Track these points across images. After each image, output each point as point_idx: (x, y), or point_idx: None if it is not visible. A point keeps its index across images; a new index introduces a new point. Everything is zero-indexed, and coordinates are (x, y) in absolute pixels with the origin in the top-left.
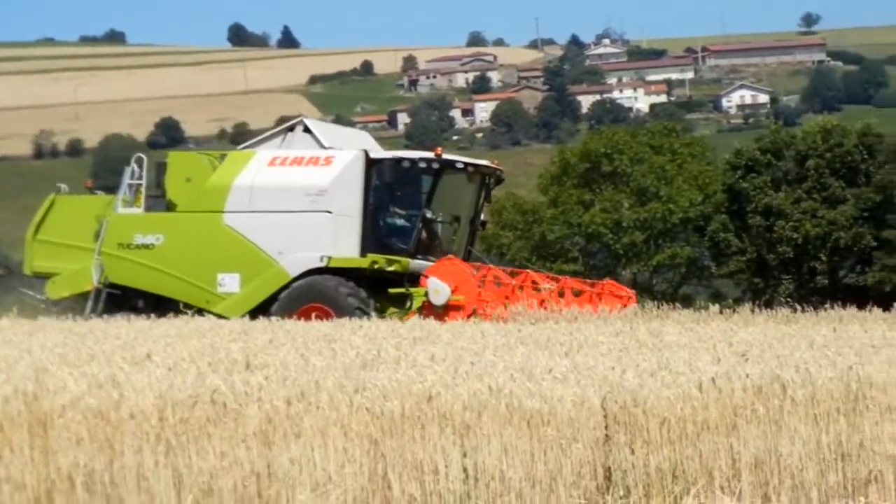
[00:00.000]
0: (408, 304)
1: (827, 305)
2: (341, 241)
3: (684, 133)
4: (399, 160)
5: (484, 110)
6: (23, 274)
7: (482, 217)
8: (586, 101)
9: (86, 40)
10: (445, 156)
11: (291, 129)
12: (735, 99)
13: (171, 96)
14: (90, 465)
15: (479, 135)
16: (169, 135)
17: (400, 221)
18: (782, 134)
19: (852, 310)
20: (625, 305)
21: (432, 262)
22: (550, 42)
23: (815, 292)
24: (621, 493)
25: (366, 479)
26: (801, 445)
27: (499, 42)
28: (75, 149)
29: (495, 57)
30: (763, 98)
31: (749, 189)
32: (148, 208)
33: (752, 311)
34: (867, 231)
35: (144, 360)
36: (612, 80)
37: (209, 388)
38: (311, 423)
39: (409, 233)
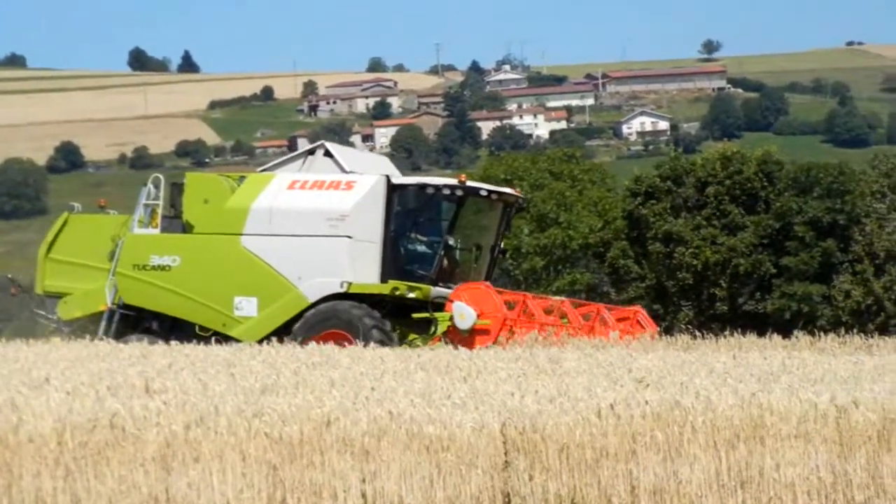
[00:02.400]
0: (432, 329)
1: (727, 332)
2: (362, 267)
3: (584, 159)
4: (423, 186)
5: (384, 136)
6: (34, 293)
7: (501, 245)
8: (486, 127)
9: None
10: (469, 183)
11: (312, 152)
12: (635, 125)
13: (71, 120)
14: None
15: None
16: (69, 159)
17: (421, 248)
18: (682, 161)
19: (752, 337)
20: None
21: (453, 289)
22: (451, 68)
23: (714, 319)
24: None
25: (264, 503)
26: (700, 472)
27: (399, 68)
28: None
29: (395, 83)
30: (663, 125)
31: (649, 216)
32: (164, 229)
33: (651, 337)
34: (766, 258)
35: (43, 383)
36: (513, 107)
37: (108, 413)
38: (209, 448)
39: (431, 260)
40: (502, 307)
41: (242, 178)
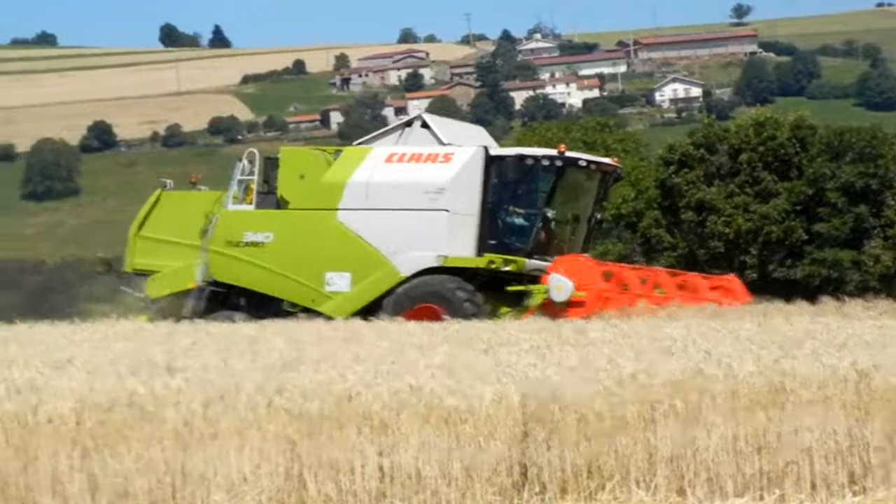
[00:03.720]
0: (526, 301)
1: (755, 300)
2: (458, 241)
3: (617, 128)
4: (521, 157)
5: (417, 108)
6: (122, 271)
7: (598, 216)
8: (519, 97)
9: (17, 43)
10: (569, 154)
11: (409, 124)
12: (668, 93)
13: (103, 99)
14: (4, 469)
15: None
16: (101, 138)
17: (519, 220)
18: (715, 128)
19: (779, 303)
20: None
21: (549, 262)
22: (482, 38)
23: (745, 287)
24: (537, 489)
25: (282, 479)
26: (717, 438)
27: (430, 38)
28: (7, 154)
29: (427, 54)
30: (696, 91)
31: (682, 184)
32: (258, 205)
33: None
34: (799, 224)
35: (66, 364)
36: (545, 76)
37: (128, 392)
38: (228, 425)
39: (528, 232)
40: (599, 280)
41: (338, 151)
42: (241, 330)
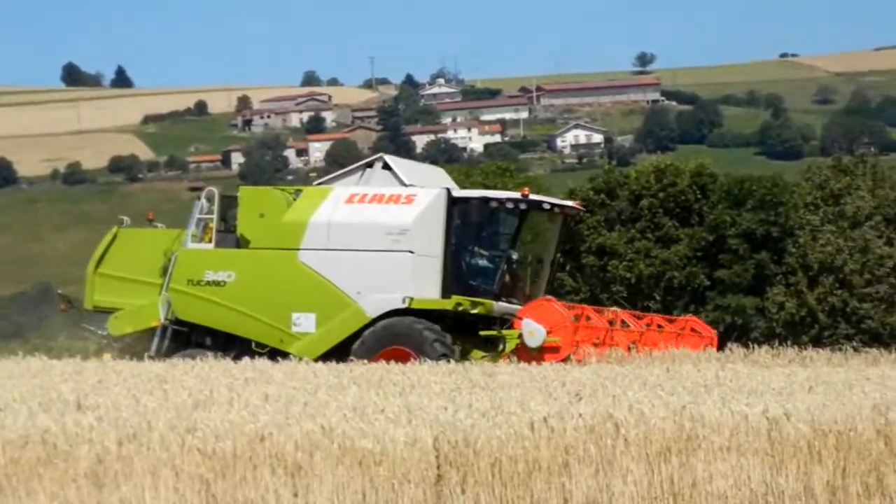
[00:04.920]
0: (500, 346)
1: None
2: (423, 282)
3: (518, 173)
4: (485, 199)
5: (318, 150)
6: (83, 308)
7: (560, 258)
8: (421, 141)
9: None
10: (532, 196)
11: (370, 164)
12: (569, 138)
13: (3, 136)
14: None
15: (314, 174)
16: (1, 175)
17: (483, 262)
18: (616, 173)
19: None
20: (706, 345)
21: (516, 304)
22: (385, 82)
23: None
24: None
25: None
26: (632, 485)
27: (333, 82)
28: None
29: (329, 97)
30: (597, 138)
31: (583, 229)
32: (217, 244)
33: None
34: (700, 270)
35: None
36: (447, 120)
37: (40, 429)
38: (142, 464)
39: (494, 274)
40: (571, 324)
41: (298, 191)
42: (150, 368)
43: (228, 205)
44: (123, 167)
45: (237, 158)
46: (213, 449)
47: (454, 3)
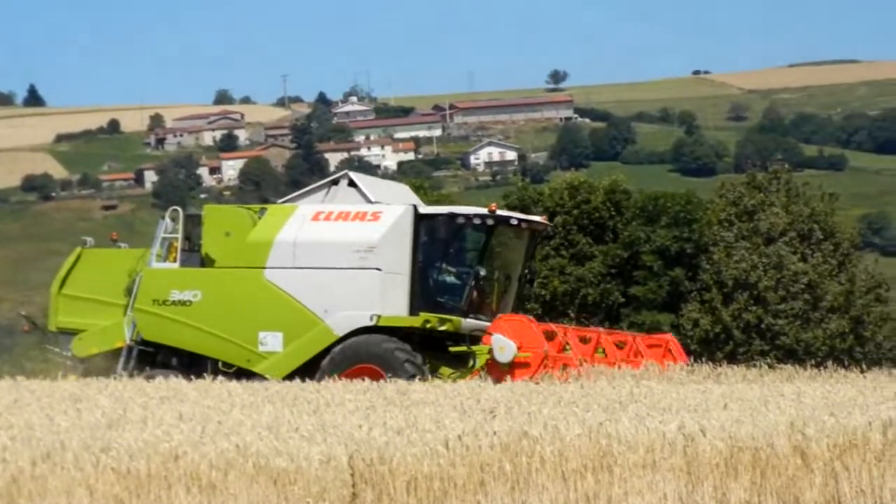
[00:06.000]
0: (471, 362)
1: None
2: (391, 300)
3: (432, 191)
4: (453, 216)
5: (232, 168)
6: (47, 330)
7: (527, 274)
8: (334, 159)
9: None
10: (499, 212)
11: (335, 182)
12: (483, 156)
13: None
14: None
15: (227, 193)
16: None
17: (451, 279)
18: (529, 191)
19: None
20: (668, 351)
21: (484, 321)
22: (298, 100)
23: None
24: None
25: None
26: (549, 503)
27: (246, 100)
28: None
29: (242, 115)
30: (511, 155)
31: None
32: (182, 263)
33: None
34: (615, 287)
35: None
36: (360, 138)
37: None
38: (56, 484)
39: (461, 291)
40: (543, 340)
41: (263, 209)
42: (64, 387)
43: (193, 224)
44: (36, 186)
45: (150, 177)
46: (127, 468)
47: (367, 22)
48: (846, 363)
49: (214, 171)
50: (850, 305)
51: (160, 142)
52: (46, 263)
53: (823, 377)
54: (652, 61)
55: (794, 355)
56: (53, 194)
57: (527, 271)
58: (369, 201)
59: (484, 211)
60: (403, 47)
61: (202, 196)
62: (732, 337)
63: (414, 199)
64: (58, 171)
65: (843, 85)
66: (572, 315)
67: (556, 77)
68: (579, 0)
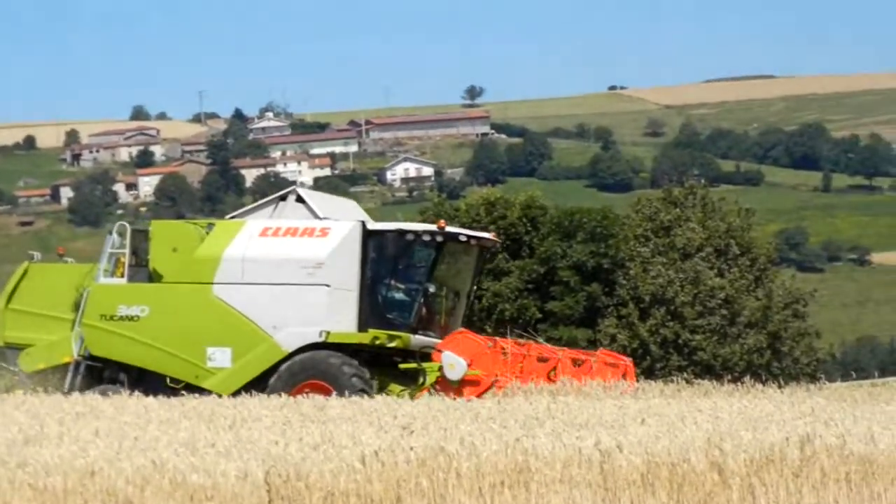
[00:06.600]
0: (421, 380)
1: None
2: (339, 316)
3: None
4: (402, 232)
5: (148, 184)
6: None
7: (475, 291)
8: (250, 175)
9: None
10: (448, 228)
11: (283, 198)
12: (399, 172)
13: None
14: None
15: (144, 209)
16: None
17: (400, 295)
18: (446, 206)
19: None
20: (623, 376)
21: (433, 337)
22: (214, 116)
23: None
24: None
25: None
26: None
27: (162, 116)
28: None
29: (158, 131)
30: (427, 171)
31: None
32: (129, 278)
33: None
34: (532, 303)
35: None
36: (276, 154)
37: None
38: None
39: (410, 307)
40: (492, 356)
41: (211, 225)
42: None
43: (140, 239)
44: None
45: (66, 193)
46: (43, 484)
47: (282, 38)
48: (764, 378)
49: (131, 187)
50: (768, 321)
51: (76, 157)
52: None
53: (741, 392)
54: (568, 77)
55: (711, 371)
56: None
57: (475, 287)
58: (318, 217)
59: (433, 227)
60: (318, 63)
61: (119, 212)
62: (650, 352)
63: (363, 215)
64: None
65: (760, 100)
66: (489, 330)
67: (473, 93)
68: (495, 15)
